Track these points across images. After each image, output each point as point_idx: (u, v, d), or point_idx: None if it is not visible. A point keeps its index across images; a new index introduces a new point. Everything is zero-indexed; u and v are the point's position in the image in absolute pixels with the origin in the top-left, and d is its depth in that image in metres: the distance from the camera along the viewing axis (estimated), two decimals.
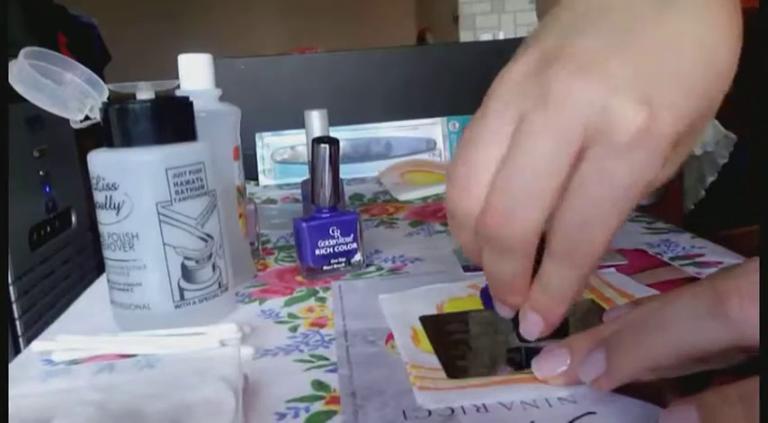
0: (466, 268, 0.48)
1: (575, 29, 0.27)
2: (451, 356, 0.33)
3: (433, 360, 0.33)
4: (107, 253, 0.39)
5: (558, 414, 0.27)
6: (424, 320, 0.38)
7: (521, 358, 0.33)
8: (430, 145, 0.99)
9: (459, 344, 0.35)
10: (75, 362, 0.37)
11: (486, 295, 0.42)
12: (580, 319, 0.38)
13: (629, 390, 0.28)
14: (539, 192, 0.26)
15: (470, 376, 0.31)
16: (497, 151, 0.27)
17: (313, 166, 0.48)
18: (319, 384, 0.32)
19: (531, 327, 0.30)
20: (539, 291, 0.29)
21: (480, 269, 0.46)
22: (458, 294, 0.42)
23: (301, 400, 0.30)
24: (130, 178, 0.38)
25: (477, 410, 0.28)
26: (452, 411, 0.28)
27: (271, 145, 0.98)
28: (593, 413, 0.27)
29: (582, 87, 0.25)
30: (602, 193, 0.26)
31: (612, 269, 0.45)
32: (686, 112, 0.26)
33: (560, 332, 0.31)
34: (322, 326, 0.39)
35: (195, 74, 0.48)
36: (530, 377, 0.30)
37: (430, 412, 0.28)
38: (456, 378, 0.31)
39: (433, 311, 0.40)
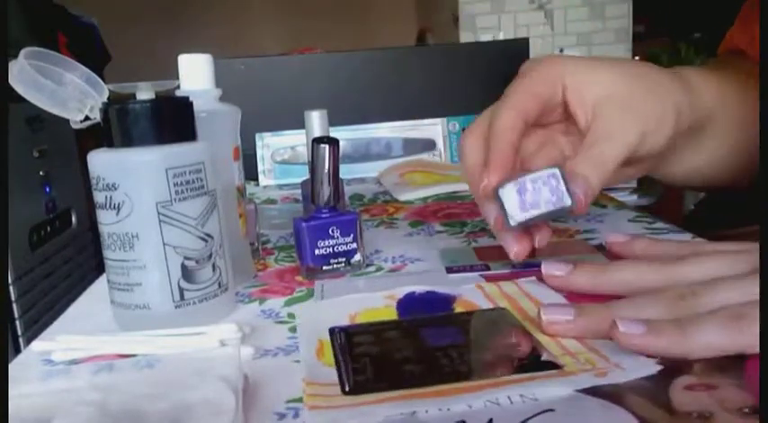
0: (449, 270, 0.48)
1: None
2: (351, 371, 0.32)
3: (333, 374, 0.32)
4: (107, 253, 0.40)
5: (517, 410, 0.27)
6: (332, 332, 0.37)
7: (425, 372, 0.32)
8: (430, 145, 1.00)
9: (363, 357, 0.34)
10: (75, 362, 0.37)
11: (402, 306, 0.41)
12: (491, 325, 0.37)
13: (592, 391, 0.28)
14: None
15: (367, 392, 0.30)
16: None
17: (313, 166, 0.48)
18: None
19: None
20: None
21: (462, 271, 0.47)
22: (373, 305, 0.41)
23: (301, 400, 0.30)
24: (130, 178, 0.38)
25: (440, 410, 0.28)
26: (414, 411, 0.28)
27: (271, 145, 0.98)
28: (552, 410, 0.27)
29: None
30: None
31: (533, 278, 0.44)
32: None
33: None
34: None
35: (195, 74, 0.48)
36: (428, 392, 0.29)
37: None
38: (351, 394, 0.30)
39: (346, 322, 0.39)
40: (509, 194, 0.38)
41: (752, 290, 0.32)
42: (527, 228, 0.42)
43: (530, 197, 0.37)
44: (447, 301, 0.41)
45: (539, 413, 0.27)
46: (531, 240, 0.43)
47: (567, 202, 0.38)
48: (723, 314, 0.30)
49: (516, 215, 0.38)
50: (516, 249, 0.42)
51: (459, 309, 0.40)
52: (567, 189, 0.38)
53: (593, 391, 0.28)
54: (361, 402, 0.29)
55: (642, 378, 0.29)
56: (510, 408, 0.28)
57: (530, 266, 0.46)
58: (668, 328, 0.31)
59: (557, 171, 0.38)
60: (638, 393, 0.28)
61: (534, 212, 0.38)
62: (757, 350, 0.29)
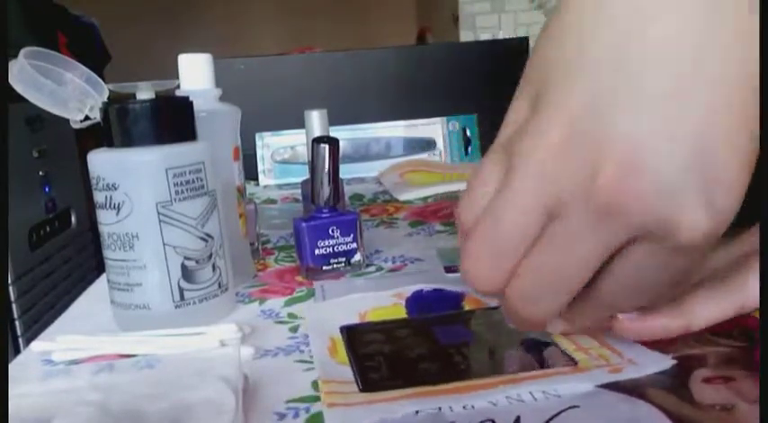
0: (448, 269, 0.48)
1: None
2: (366, 368, 0.32)
3: (347, 372, 0.32)
4: (107, 253, 0.40)
5: (542, 407, 0.27)
6: (343, 330, 0.37)
7: (440, 370, 0.32)
8: (430, 145, 1.00)
9: (376, 355, 0.34)
10: (75, 362, 0.37)
11: (411, 304, 0.41)
12: (502, 323, 0.37)
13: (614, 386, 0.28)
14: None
15: (382, 390, 0.30)
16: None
17: (313, 166, 0.48)
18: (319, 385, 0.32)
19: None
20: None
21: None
22: (382, 303, 0.41)
23: (301, 400, 0.30)
24: (130, 178, 0.38)
25: (464, 408, 0.28)
26: (440, 409, 0.28)
27: (271, 145, 0.98)
28: (577, 407, 0.27)
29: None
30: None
31: None
32: (742, 187, 0.22)
33: None
34: None
35: (195, 74, 0.48)
36: (446, 389, 0.30)
37: (417, 411, 0.28)
38: (368, 392, 0.30)
39: (356, 321, 0.39)
40: None
41: (737, 248, 0.32)
42: None
43: None
44: (456, 298, 0.41)
45: (564, 409, 0.27)
46: None
47: None
48: (713, 279, 0.30)
49: None
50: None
51: (467, 306, 0.40)
52: None
53: (615, 387, 0.28)
54: (380, 399, 0.29)
55: (660, 373, 0.29)
56: (535, 405, 0.28)
57: None
58: (664, 307, 0.30)
59: None
60: (660, 387, 0.28)
61: None
62: (755, 305, 0.29)
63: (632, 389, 0.28)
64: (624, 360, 0.31)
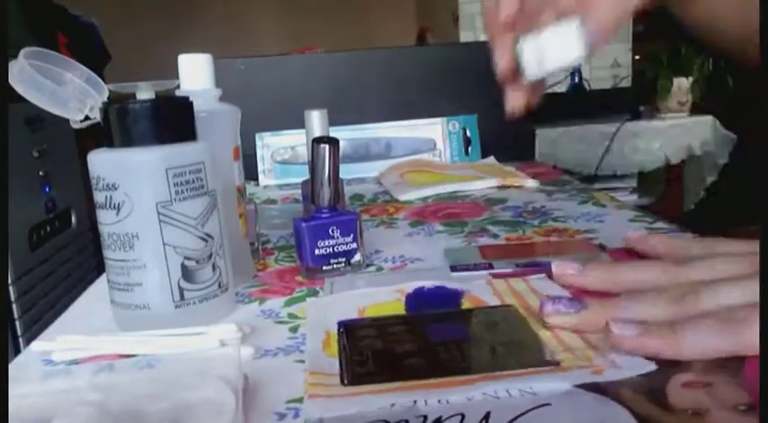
0: (453, 268, 0.48)
1: None
2: (353, 363, 0.33)
3: (336, 365, 0.33)
4: (107, 253, 0.39)
5: (514, 404, 0.28)
6: (340, 325, 0.38)
7: (424, 365, 0.32)
8: (430, 145, 0.99)
9: (365, 350, 0.34)
10: (75, 362, 0.37)
11: (410, 301, 0.42)
12: (495, 323, 0.37)
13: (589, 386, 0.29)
14: None
15: (365, 383, 0.31)
16: None
17: (313, 166, 0.48)
18: None
19: None
20: None
21: (466, 270, 0.47)
22: (383, 299, 0.42)
23: (301, 400, 0.30)
24: (130, 178, 0.38)
25: (439, 402, 0.28)
26: (415, 402, 0.28)
27: (271, 145, 0.98)
28: (548, 405, 0.28)
29: None
30: None
31: (543, 275, 0.44)
32: None
33: None
34: None
35: (195, 74, 0.48)
36: (427, 384, 0.30)
37: (393, 404, 0.28)
38: (350, 385, 0.31)
39: (354, 316, 0.39)
40: (528, 49, 0.39)
41: (753, 291, 0.32)
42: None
43: (548, 53, 0.38)
44: (455, 296, 0.42)
45: (535, 407, 0.27)
46: (528, 97, 0.45)
47: (583, 54, 0.39)
48: (719, 316, 0.31)
49: (533, 71, 0.39)
50: (516, 105, 0.46)
51: (466, 304, 0.40)
52: (584, 40, 0.38)
53: (591, 387, 0.29)
54: (360, 392, 0.30)
55: (641, 375, 0.29)
56: (508, 401, 0.28)
57: (532, 266, 0.46)
58: (661, 329, 0.31)
59: (576, 25, 0.39)
60: (636, 390, 0.28)
61: (550, 69, 0.39)
62: (753, 352, 0.29)
63: (608, 390, 0.28)
64: (607, 361, 0.31)
